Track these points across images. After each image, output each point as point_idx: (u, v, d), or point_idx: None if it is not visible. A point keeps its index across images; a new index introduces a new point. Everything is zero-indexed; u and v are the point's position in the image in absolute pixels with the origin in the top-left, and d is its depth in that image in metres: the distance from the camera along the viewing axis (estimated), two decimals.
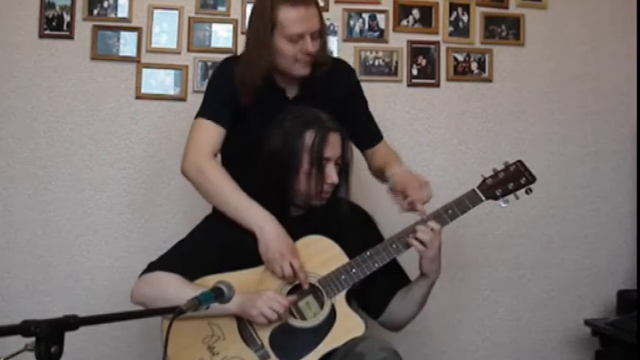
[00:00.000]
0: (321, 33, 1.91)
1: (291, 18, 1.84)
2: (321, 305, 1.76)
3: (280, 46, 1.87)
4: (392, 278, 1.86)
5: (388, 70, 2.71)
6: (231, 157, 1.99)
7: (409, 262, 1.89)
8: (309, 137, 1.75)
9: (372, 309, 1.89)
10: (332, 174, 1.77)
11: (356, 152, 2.00)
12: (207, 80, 2.51)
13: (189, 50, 2.59)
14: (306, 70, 1.92)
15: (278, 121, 1.81)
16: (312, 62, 1.91)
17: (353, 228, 1.84)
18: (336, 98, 1.99)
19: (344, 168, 1.83)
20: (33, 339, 0.99)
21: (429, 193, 1.85)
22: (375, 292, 1.85)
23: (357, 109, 2.10)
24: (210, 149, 1.90)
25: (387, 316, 1.87)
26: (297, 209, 1.85)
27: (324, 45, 1.95)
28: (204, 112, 1.94)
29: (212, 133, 1.91)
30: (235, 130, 1.95)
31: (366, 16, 2.70)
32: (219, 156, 1.97)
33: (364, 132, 2.10)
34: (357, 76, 2.15)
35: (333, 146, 1.77)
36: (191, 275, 1.73)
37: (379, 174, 2.05)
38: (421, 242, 1.75)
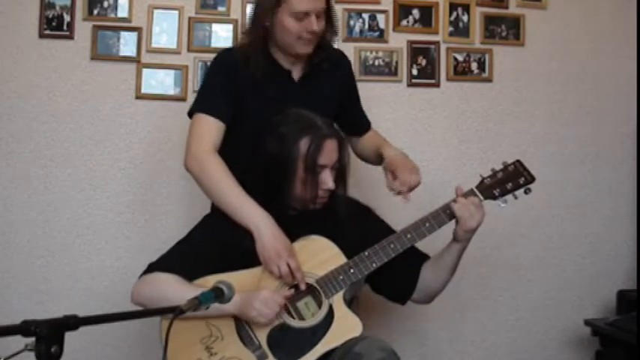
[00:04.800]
0: (327, 13, 1.92)
1: None
2: (319, 305, 1.76)
3: (285, 22, 1.88)
4: (410, 259, 1.86)
5: (388, 70, 2.71)
6: (235, 147, 1.97)
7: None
8: (304, 144, 1.74)
9: (401, 295, 1.92)
10: (327, 180, 1.77)
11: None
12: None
13: (189, 50, 2.59)
14: (309, 49, 1.93)
15: (275, 125, 1.80)
16: (315, 41, 1.92)
17: (351, 222, 1.84)
18: (338, 83, 2.06)
19: (340, 171, 1.82)
20: (33, 339, 0.99)
21: (417, 179, 1.89)
22: (399, 277, 1.87)
23: (353, 100, 2.17)
24: (212, 144, 1.90)
25: (417, 293, 1.90)
26: (294, 210, 1.85)
27: (331, 26, 1.96)
28: (203, 107, 1.94)
29: (213, 128, 1.92)
30: (239, 119, 1.95)
31: (366, 16, 2.70)
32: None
33: (358, 122, 2.19)
34: (351, 67, 2.21)
35: (328, 153, 1.76)
36: (190, 275, 1.74)
37: (370, 156, 2.14)
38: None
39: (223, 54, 2.05)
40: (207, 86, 2.01)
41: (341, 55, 2.13)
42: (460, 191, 1.83)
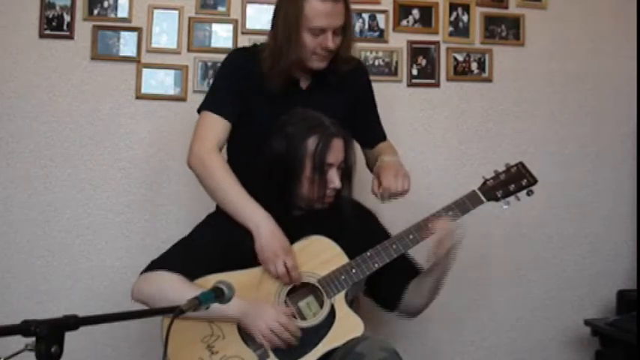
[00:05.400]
0: (345, 29, 1.89)
1: (316, 11, 1.82)
2: (321, 305, 1.76)
3: (301, 36, 1.86)
4: (402, 270, 1.87)
5: (388, 70, 2.71)
6: (239, 149, 1.98)
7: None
8: (311, 143, 1.75)
9: (387, 303, 1.92)
10: (334, 179, 1.77)
11: (357, 152, 2.00)
12: (207, 79, 2.55)
13: (189, 50, 2.59)
14: (323, 64, 1.91)
15: (281, 125, 1.80)
16: (329, 57, 1.91)
17: (354, 223, 1.84)
18: (349, 94, 2.02)
19: (346, 171, 1.83)
20: (33, 339, 0.99)
21: (403, 186, 1.87)
22: (387, 286, 1.87)
23: (367, 111, 2.13)
24: (216, 143, 1.90)
25: (403, 307, 1.90)
26: (299, 210, 1.85)
27: (347, 42, 1.93)
28: (210, 105, 1.95)
29: (218, 126, 1.92)
30: (245, 121, 1.94)
31: (366, 16, 2.69)
32: (224, 151, 1.97)
33: (370, 133, 2.14)
34: (369, 78, 2.16)
35: (335, 152, 1.77)
36: (192, 275, 1.73)
37: (374, 166, 2.08)
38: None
39: (234, 54, 2.06)
40: (215, 85, 2.02)
41: (357, 65, 2.08)
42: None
